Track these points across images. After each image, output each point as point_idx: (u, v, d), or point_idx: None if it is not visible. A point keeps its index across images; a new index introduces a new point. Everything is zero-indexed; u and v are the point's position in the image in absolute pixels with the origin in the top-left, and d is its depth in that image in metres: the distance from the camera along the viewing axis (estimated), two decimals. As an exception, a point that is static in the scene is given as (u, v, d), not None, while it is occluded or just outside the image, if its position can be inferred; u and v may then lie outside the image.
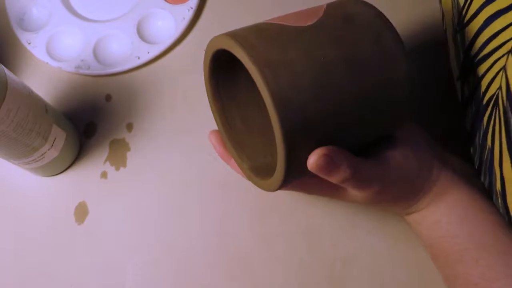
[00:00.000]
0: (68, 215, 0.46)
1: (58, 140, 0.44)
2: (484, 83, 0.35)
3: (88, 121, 0.49)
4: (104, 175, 0.47)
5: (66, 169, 0.48)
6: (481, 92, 0.35)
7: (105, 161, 0.48)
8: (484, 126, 0.35)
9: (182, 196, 0.45)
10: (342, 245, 0.42)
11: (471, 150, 0.37)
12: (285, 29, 0.31)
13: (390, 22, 0.33)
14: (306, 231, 0.43)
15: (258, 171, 0.36)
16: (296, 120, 0.29)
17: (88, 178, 0.47)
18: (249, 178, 0.36)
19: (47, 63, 0.52)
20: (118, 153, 0.48)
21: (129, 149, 0.48)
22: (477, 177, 0.39)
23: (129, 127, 0.49)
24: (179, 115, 0.48)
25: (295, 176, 0.33)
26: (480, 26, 0.35)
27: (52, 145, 0.44)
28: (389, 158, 0.35)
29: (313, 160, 0.30)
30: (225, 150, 0.38)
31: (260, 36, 0.31)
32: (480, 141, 0.35)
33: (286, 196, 0.44)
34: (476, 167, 0.36)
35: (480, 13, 0.35)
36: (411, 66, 0.33)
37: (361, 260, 0.42)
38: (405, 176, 0.35)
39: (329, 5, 0.34)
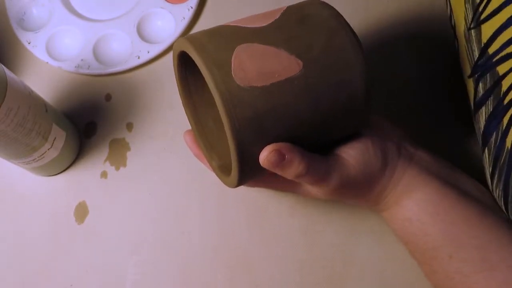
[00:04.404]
0: (68, 215, 0.46)
1: (58, 139, 0.44)
2: (506, 83, 0.34)
3: (88, 121, 0.49)
4: (104, 175, 0.47)
5: (66, 169, 0.48)
6: (502, 92, 0.34)
7: (105, 161, 0.48)
8: (504, 127, 0.34)
9: (182, 196, 0.45)
10: (342, 245, 0.42)
11: (485, 151, 0.37)
12: (239, 30, 0.32)
13: (347, 23, 0.34)
14: (306, 231, 0.43)
15: (227, 169, 0.36)
16: (246, 118, 0.30)
17: (88, 178, 0.47)
18: (217, 175, 0.37)
19: (47, 62, 0.52)
20: (118, 153, 0.48)
21: (129, 149, 0.48)
22: (456, 172, 0.38)
23: (129, 127, 0.49)
24: (179, 115, 0.48)
25: (253, 173, 0.34)
26: (503, 24, 0.34)
27: (52, 145, 0.44)
28: (348, 155, 0.35)
29: (264, 155, 0.31)
30: (199, 150, 0.39)
31: (213, 37, 0.32)
32: (498, 143, 0.35)
33: (286, 196, 0.44)
34: (491, 170, 0.36)
35: (502, 11, 0.34)
36: (368, 65, 0.33)
37: (361, 260, 0.42)
38: (366, 173, 0.35)
39: (288, 7, 0.35)
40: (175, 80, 0.39)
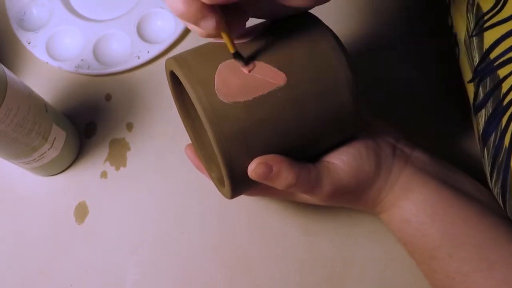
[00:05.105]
0: (68, 215, 0.46)
1: (58, 139, 0.44)
2: (506, 84, 0.35)
3: (88, 121, 0.49)
4: (104, 175, 0.47)
5: (66, 169, 0.48)
6: (502, 94, 0.35)
7: (105, 161, 0.48)
8: (502, 127, 0.35)
9: (182, 196, 0.45)
10: (342, 245, 0.42)
11: (485, 151, 0.37)
12: (223, 47, 0.32)
13: (329, 30, 0.33)
14: (306, 231, 0.43)
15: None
16: (231, 133, 0.30)
17: (88, 178, 0.47)
18: (216, 186, 0.38)
19: (47, 62, 0.52)
20: (118, 153, 0.48)
21: (129, 149, 0.48)
22: (454, 172, 0.38)
23: (129, 127, 0.49)
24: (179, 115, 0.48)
25: (246, 185, 0.34)
26: (508, 31, 0.35)
27: (52, 145, 0.44)
28: (341, 161, 0.35)
29: (252, 168, 0.32)
30: (199, 162, 0.39)
31: (197, 55, 0.32)
32: (496, 142, 0.35)
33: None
34: (490, 168, 0.36)
35: (511, 21, 0.35)
36: (356, 71, 0.33)
37: (361, 260, 0.42)
38: (359, 178, 0.35)
39: (271, 21, 0.34)
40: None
